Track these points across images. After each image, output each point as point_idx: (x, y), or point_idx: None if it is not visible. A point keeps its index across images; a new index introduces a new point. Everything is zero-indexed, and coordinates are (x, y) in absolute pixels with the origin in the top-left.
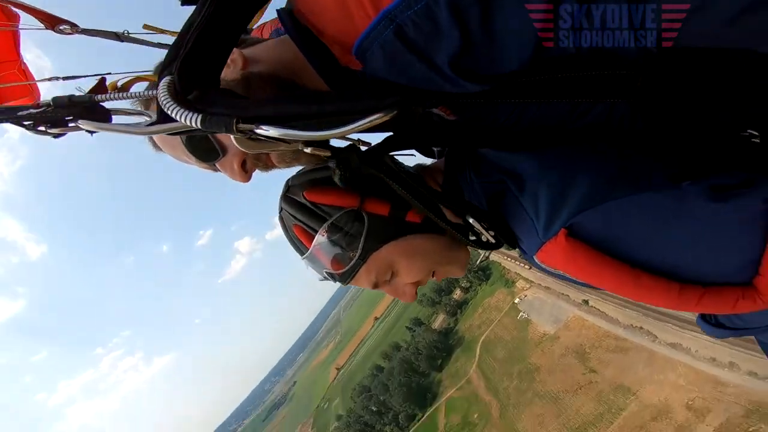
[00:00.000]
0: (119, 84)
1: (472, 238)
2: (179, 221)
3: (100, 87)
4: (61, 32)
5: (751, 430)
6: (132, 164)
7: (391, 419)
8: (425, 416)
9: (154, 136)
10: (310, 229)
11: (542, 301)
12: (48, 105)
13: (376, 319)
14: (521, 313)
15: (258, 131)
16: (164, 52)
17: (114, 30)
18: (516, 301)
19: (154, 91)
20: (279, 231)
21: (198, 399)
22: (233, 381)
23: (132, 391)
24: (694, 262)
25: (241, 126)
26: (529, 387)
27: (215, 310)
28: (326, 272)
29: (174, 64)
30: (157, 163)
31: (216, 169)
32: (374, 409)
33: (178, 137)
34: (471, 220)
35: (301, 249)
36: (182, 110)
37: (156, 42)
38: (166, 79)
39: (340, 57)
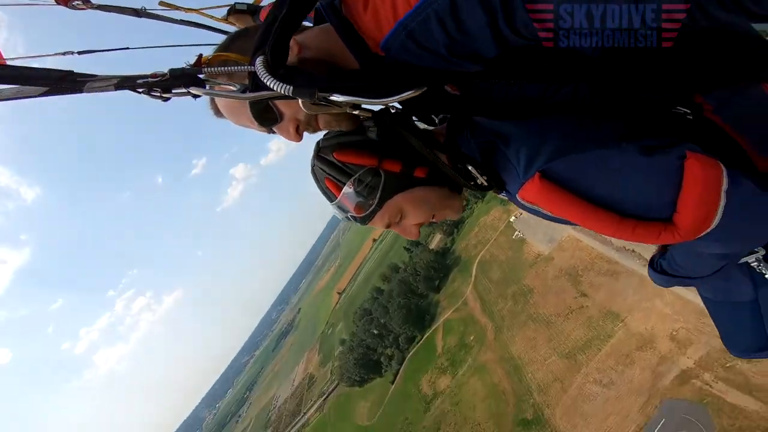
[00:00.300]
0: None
1: (471, 182)
2: (170, 153)
3: (198, 61)
4: (74, 8)
5: (728, 365)
6: (116, 100)
7: (392, 342)
8: (424, 338)
9: (220, 106)
10: (339, 182)
11: (537, 219)
12: (164, 75)
13: (375, 240)
14: (516, 232)
15: (332, 98)
16: (177, 26)
17: (130, 6)
18: (511, 219)
19: (251, 67)
20: (273, 156)
21: (211, 333)
22: (242, 312)
23: (148, 331)
24: (631, 200)
25: (320, 94)
26: (522, 309)
27: (216, 241)
28: (350, 215)
29: (264, 48)
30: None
31: (271, 132)
32: (375, 332)
33: (245, 106)
34: (470, 168)
35: (330, 197)
36: (278, 82)
37: (171, 18)
38: (260, 59)
39: (371, 47)
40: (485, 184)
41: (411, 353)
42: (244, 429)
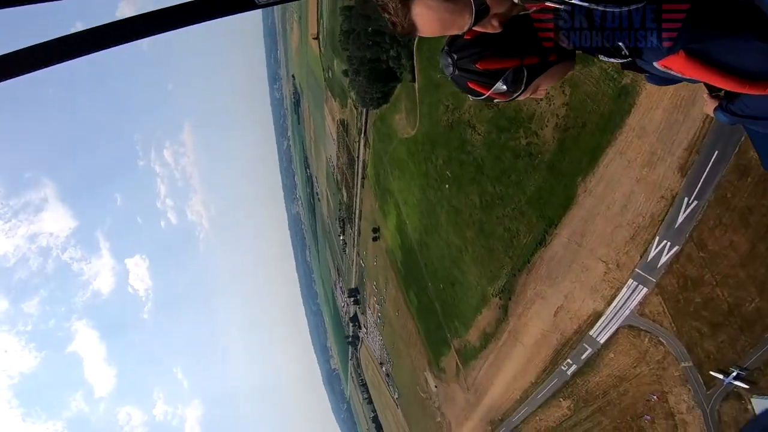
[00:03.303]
0: None
1: (619, 59)
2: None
3: None
4: None
5: None
6: None
7: (390, 42)
8: None
9: (433, 10)
10: (486, 83)
11: None
12: None
13: None
14: None
15: None
16: None
17: None
18: None
19: None
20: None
21: (241, 144)
22: (251, 110)
23: (198, 172)
24: (751, 68)
25: None
26: None
27: (171, 69)
28: (497, 102)
29: None
30: None
31: (470, 28)
32: (369, 43)
33: (469, 14)
34: (620, 44)
35: (476, 94)
36: None
37: None
38: None
39: None
40: (626, 53)
41: (414, 42)
42: (327, 202)
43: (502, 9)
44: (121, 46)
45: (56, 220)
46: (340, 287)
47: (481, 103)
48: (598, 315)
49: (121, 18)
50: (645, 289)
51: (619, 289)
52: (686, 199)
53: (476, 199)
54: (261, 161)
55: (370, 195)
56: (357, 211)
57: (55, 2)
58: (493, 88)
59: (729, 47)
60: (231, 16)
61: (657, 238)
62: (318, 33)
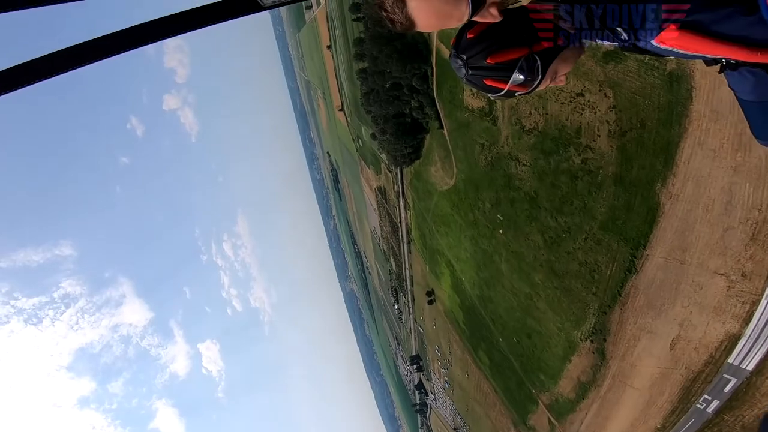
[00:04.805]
0: None
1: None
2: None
3: None
4: None
5: None
6: None
7: (408, 92)
8: (432, 64)
9: (422, 12)
10: (502, 78)
11: None
12: None
13: (329, 47)
14: None
15: None
16: None
17: None
18: None
19: None
20: (183, 70)
21: (290, 229)
22: (295, 195)
23: (257, 260)
24: (758, 37)
25: None
26: None
27: (220, 162)
28: (518, 94)
29: None
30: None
31: (469, 19)
32: (390, 98)
33: (466, 2)
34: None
35: (494, 90)
36: None
37: None
38: None
39: None
40: (625, 37)
41: (433, 88)
42: (378, 275)
43: None
44: (135, 50)
45: (134, 313)
46: (401, 356)
47: (507, 100)
48: (734, 338)
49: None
50: None
51: (756, 303)
52: None
53: (538, 238)
54: (312, 244)
55: (419, 259)
56: (408, 278)
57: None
58: (510, 80)
59: (723, 16)
60: (259, 82)
61: None
62: (342, 104)
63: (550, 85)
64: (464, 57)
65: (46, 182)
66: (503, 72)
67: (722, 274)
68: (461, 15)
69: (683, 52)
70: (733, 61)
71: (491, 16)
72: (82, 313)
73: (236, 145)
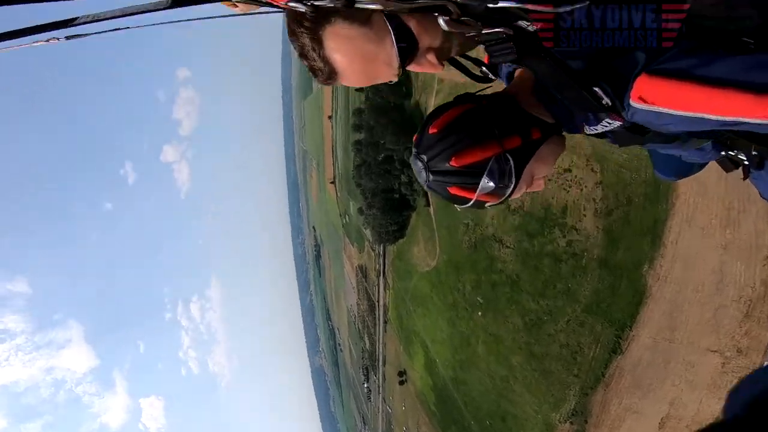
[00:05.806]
0: None
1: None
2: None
3: None
4: None
5: None
6: None
7: (399, 166)
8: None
9: (345, 52)
10: (469, 185)
11: None
12: None
13: (330, 117)
14: None
15: (499, 4)
16: None
17: None
18: None
19: None
20: (189, 122)
21: (267, 300)
22: (275, 267)
23: (223, 325)
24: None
25: (491, 5)
26: None
27: (204, 224)
28: (489, 205)
29: None
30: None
31: (401, 73)
32: (380, 171)
33: (386, 40)
34: (595, 89)
35: (461, 201)
36: None
37: None
38: None
39: None
40: (609, 104)
41: None
42: (350, 352)
43: (435, 42)
44: None
45: (76, 358)
46: None
47: (473, 210)
48: None
49: None
50: None
51: None
52: None
53: (518, 321)
54: (285, 316)
55: (394, 338)
56: (380, 357)
57: None
58: (479, 189)
59: (712, 58)
60: (259, 147)
61: None
62: (334, 176)
63: (527, 192)
64: (425, 158)
65: (20, 214)
66: (470, 178)
67: (716, 351)
68: (388, 57)
69: (672, 111)
70: (755, 153)
71: (429, 64)
72: (16, 350)
73: (224, 209)
